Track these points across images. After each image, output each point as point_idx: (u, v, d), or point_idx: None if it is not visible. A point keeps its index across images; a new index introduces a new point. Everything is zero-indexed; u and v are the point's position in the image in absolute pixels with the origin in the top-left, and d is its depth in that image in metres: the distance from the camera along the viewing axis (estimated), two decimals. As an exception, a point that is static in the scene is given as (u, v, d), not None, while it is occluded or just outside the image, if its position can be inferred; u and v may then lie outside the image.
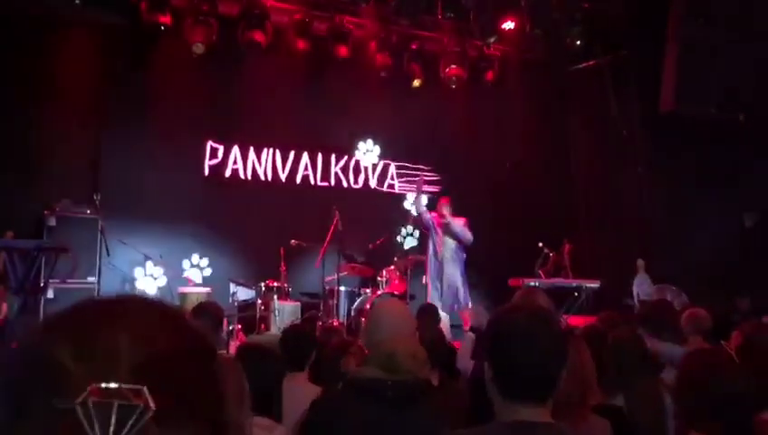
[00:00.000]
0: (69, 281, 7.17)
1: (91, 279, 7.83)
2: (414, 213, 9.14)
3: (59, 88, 8.55)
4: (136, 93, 8.96)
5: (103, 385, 0.61)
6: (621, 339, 3.05)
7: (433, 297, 8.55)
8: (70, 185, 8.48)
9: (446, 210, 8.66)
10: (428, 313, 5.32)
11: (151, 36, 8.81)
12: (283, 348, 3.53)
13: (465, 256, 8.87)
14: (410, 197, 9.04)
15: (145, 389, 0.62)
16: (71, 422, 0.60)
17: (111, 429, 0.60)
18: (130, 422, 0.60)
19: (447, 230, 8.66)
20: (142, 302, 0.74)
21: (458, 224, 8.71)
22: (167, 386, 0.64)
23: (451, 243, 8.72)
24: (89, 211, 8.04)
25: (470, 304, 8.52)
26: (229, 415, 0.73)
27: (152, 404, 0.61)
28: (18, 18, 7.51)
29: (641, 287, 9.41)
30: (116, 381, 0.62)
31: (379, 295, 8.53)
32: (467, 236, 8.76)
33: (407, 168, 10.79)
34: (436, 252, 8.68)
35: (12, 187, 7.97)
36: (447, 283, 8.62)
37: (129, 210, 8.66)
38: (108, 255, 7.90)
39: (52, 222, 7.75)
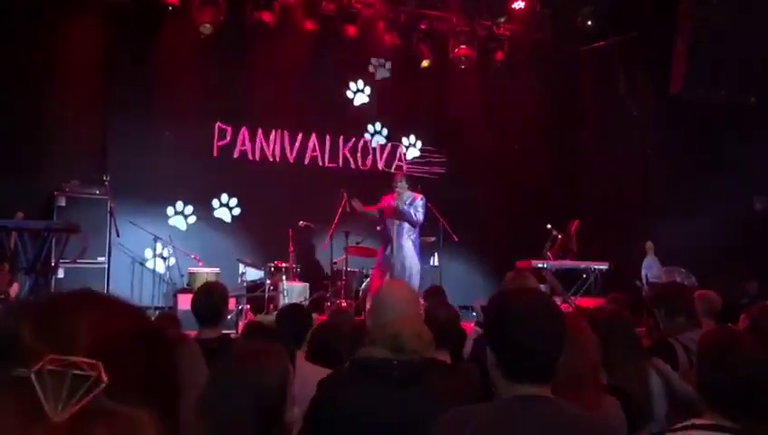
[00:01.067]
0: (79, 261, 7.22)
1: (100, 259, 7.89)
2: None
3: (66, 69, 8.56)
4: (143, 74, 8.97)
5: (59, 356, 0.65)
6: (608, 319, 3.05)
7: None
8: (79, 166, 8.52)
9: (399, 187, 8.19)
10: (436, 293, 5.32)
11: (158, 17, 8.79)
12: (279, 326, 3.54)
13: (417, 239, 8.38)
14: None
15: (100, 363, 0.65)
16: (26, 392, 0.63)
17: (63, 397, 0.63)
18: (82, 391, 0.63)
19: (397, 215, 8.20)
20: (100, 294, 0.80)
21: (410, 202, 8.18)
22: (119, 364, 0.68)
23: (403, 227, 8.26)
24: (98, 192, 8.08)
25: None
26: (179, 399, 0.78)
27: (105, 377, 0.65)
28: (23, 5, 7.50)
29: (650, 269, 9.40)
30: (74, 355, 0.65)
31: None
32: (413, 217, 8.20)
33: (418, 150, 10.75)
34: (389, 238, 8.22)
35: (22, 168, 8.02)
36: (398, 269, 8.08)
37: (138, 191, 8.71)
38: (117, 235, 7.95)
39: (62, 202, 7.80)
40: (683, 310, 3.65)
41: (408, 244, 8.30)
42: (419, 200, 8.29)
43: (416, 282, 8.08)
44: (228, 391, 1.92)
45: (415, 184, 8.63)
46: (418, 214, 8.27)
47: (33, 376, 0.63)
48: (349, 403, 2.22)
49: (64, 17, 8.46)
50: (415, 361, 2.23)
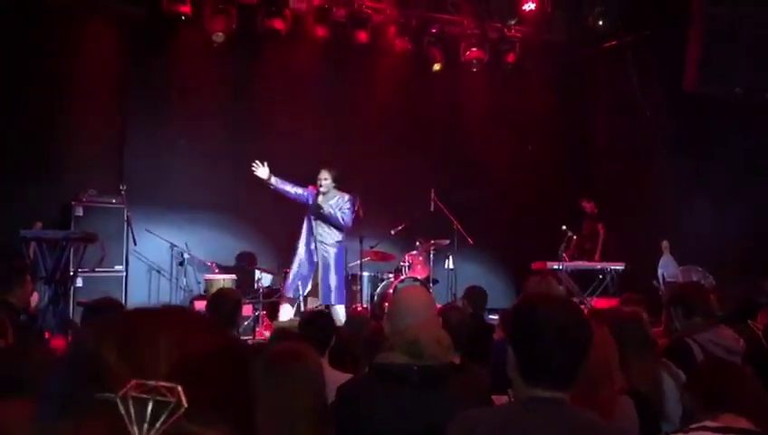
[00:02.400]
0: (97, 270, 7.31)
1: (118, 268, 7.96)
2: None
3: (82, 80, 8.65)
4: (157, 83, 9.05)
5: (142, 381, 0.67)
6: (622, 320, 3.06)
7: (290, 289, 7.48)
8: (96, 175, 8.60)
9: (324, 183, 7.45)
10: (475, 295, 5.26)
11: (171, 26, 8.87)
12: (302, 333, 3.56)
13: (342, 242, 7.73)
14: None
15: (179, 387, 0.67)
16: (112, 417, 0.66)
17: (146, 422, 0.65)
18: (163, 417, 0.65)
19: (319, 214, 7.49)
20: (180, 310, 0.82)
21: (336, 203, 7.52)
22: (199, 386, 0.70)
23: (326, 228, 7.59)
24: (115, 201, 8.16)
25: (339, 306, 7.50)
26: (254, 413, 0.79)
27: (184, 401, 0.66)
28: (39, 9, 7.59)
29: (667, 269, 9.34)
30: (155, 379, 0.67)
31: (402, 280, 8.57)
32: (339, 222, 7.47)
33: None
34: (311, 235, 7.55)
35: (39, 178, 8.10)
36: (319, 276, 7.47)
37: (154, 199, 8.79)
38: (134, 244, 8.02)
39: (80, 212, 7.88)
40: (700, 310, 3.63)
41: (331, 252, 7.55)
42: (348, 201, 7.54)
43: (337, 299, 7.45)
44: (271, 394, 1.94)
45: (340, 177, 7.67)
46: (346, 217, 7.49)
47: (118, 401, 0.66)
48: (368, 409, 2.24)
49: (79, 28, 8.54)
50: (434, 366, 2.25)
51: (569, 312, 1.83)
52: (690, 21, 8.90)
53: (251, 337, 6.73)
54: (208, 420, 0.70)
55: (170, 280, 8.70)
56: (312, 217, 7.58)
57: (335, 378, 2.95)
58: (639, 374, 2.83)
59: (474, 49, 10.28)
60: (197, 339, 0.75)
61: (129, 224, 7.99)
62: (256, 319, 7.83)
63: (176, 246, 8.58)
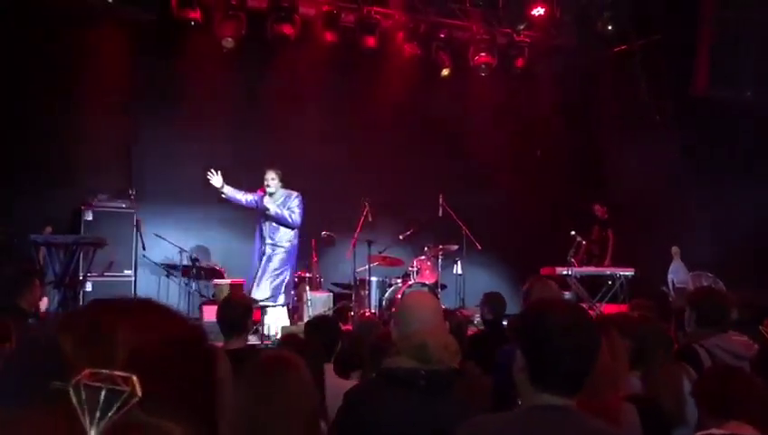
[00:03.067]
0: (106, 274, 7.34)
1: (127, 272, 7.99)
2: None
3: (92, 84, 8.69)
4: (167, 88, 9.09)
5: (95, 370, 0.66)
6: (644, 324, 3.05)
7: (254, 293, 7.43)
8: (106, 180, 8.65)
9: (271, 183, 7.54)
10: (493, 301, 5.22)
11: (181, 31, 8.91)
12: (307, 338, 3.56)
13: (295, 242, 7.79)
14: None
15: (134, 377, 0.66)
16: (66, 406, 0.65)
17: (98, 411, 0.64)
18: (116, 406, 0.65)
19: (267, 216, 7.57)
20: (142, 301, 0.80)
21: (282, 201, 7.60)
22: (156, 376, 0.68)
23: (278, 229, 7.64)
24: (124, 206, 8.20)
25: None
26: (217, 411, 0.77)
27: (138, 391, 0.65)
28: (51, 16, 7.65)
29: (677, 275, 9.29)
30: (112, 368, 0.66)
31: (410, 286, 8.56)
32: (287, 220, 7.52)
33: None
34: (262, 238, 7.66)
35: (49, 182, 8.16)
36: (270, 277, 7.55)
37: (163, 204, 8.83)
38: (143, 248, 8.05)
39: (89, 216, 7.92)
40: (714, 315, 3.61)
41: (280, 254, 7.60)
42: (295, 198, 7.62)
43: (282, 298, 7.51)
44: (253, 400, 1.94)
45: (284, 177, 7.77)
46: (294, 215, 7.56)
47: (70, 390, 0.65)
48: (375, 414, 2.24)
49: (90, 34, 8.58)
50: (442, 371, 2.25)
51: (578, 317, 1.83)
52: (699, 25, 8.88)
53: (260, 342, 6.72)
54: (165, 412, 0.68)
55: (179, 284, 8.71)
56: (261, 220, 7.67)
57: (338, 385, 2.95)
58: (661, 379, 2.82)
59: (482, 54, 10.28)
60: (157, 329, 0.74)
61: (138, 228, 8.02)
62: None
63: (184, 250, 8.61)
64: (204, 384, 0.76)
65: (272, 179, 7.56)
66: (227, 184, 7.76)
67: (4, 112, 7.87)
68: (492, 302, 5.15)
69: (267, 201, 7.52)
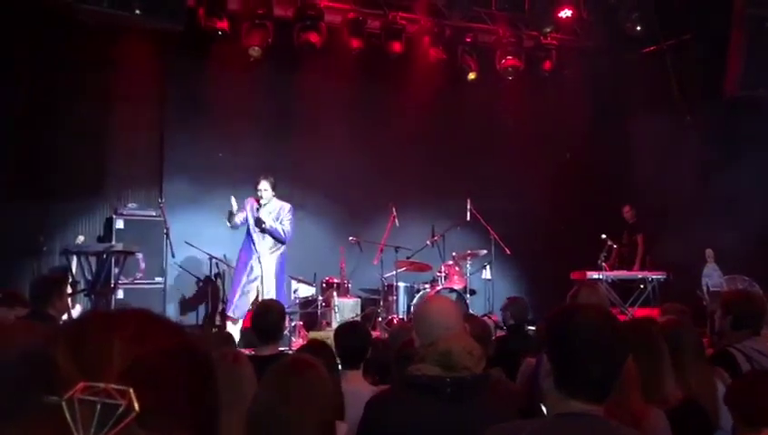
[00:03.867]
0: (137, 282, 7.43)
1: (158, 279, 8.08)
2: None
3: (122, 94, 8.84)
4: (195, 97, 9.21)
5: (90, 384, 0.63)
6: (676, 326, 3.00)
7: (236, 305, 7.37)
8: (136, 189, 8.79)
9: (264, 193, 7.44)
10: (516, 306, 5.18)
11: (208, 41, 9.01)
12: (336, 345, 3.54)
13: (283, 253, 7.75)
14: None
15: (131, 390, 0.63)
16: (59, 421, 0.62)
17: (93, 427, 0.61)
18: (112, 422, 0.62)
19: (262, 229, 7.46)
20: (139, 311, 0.77)
21: (276, 215, 7.53)
22: (154, 388, 0.65)
23: (268, 240, 7.57)
24: (155, 214, 8.30)
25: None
26: (217, 419, 0.75)
27: (136, 405, 0.62)
28: (80, 28, 7.78)
29: (711, 278, 9.10)
30: (106, 381, 0.64)
31: (438, 291, 8.52)
32: (280, 235, 7.48)
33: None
34: (249, 250, 7.52)
35: (81, 192, 8.31)
36: (264, 288, 7.41)
37: (193, 212, 8.93)
38: (173, 256, 8.13)
39: (120, 225, 8.03)
40: (750, 319, 3.52)
41: (272, 265, 7.47)
42: (288, 211, 7.53)
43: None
44: (272, 405, 1.93)
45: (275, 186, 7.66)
46: (286, 229, 7.49)
47: (64, 405, 0.62)
48: (400, 422, 2.22)
49: (119, 45, 8.67)
50: (467, 378, 2.22)
51: (606, 322, 1.79)
52: (731, 24, 8.71)
53: (287, 349, 6.74)
54: (163, 426, 0.65)
55: (209, 291, 8.77)
56: (252, 232, 7.52)
57: (364, 392, 2.92)
58: (697, 383, 2.77)
59: (509, 57, 10.21)
60: (154, 339, 0.71)
61: (167, 236, 8.11)
62: (293, 330, 7.86)
63: (214, 257, 8.67)
64: (204, 396, 0.73)
65: (264, 190, 7.45)
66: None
67: (37, 123, 8.03)
68: (513, 307, 5.11)
69: (262, 213, 7.42)
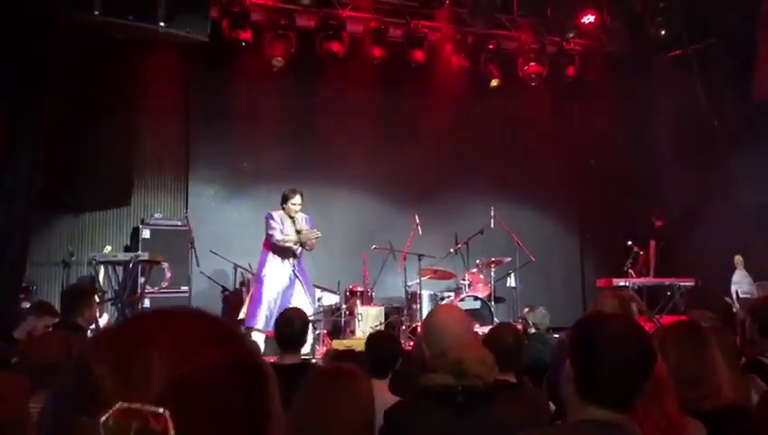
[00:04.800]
0: (163, 290, 7.51)
1: (184, 288, 8.18)
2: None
3: (148, 106, 8.98)
4: (220, 108, 9.34)
5: (127, 405, 0.60)
6: (714, 334, 2.94)
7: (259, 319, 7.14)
8: (162, 199, 8.93)
9: (299, 207, 7.31)
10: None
11: (232, 52, 9.10)
12: (367, 353, 3.56)
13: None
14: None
15: (167, 412, 0.60)
16: None
17: None
18: None
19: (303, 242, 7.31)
20: (188, 315, 0.71)
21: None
22: (194, 410, 0.61)
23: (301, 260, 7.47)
24: (180, 223, 8.40)
25: None
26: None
27: (171, 430, 0.59)
28: (106, 41, 7.90)
29: (741, 285, 8.94)
30: (144, 401, 0.60)
31: (462, 299, 8.48)
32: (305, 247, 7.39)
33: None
34: (285, 261, 7.30)
35: (108, 202, 8.45)
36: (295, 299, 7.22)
37: (218, 221, 9.02)
38: (197, 265, 8.22)
39: (147, 235, 8.14)
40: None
41: (302, 286, 7.32)
42: (309, 222, 7.45)
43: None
44: (308, 410, 1.94)
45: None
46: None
47: (100, 427, 0.60)
48: (413, 430, 2.22)
49: (144, 57, 8.77)
50: (479, 386, 2.21)
51: (630, 330, 1.78)
52: (759, 26, 8.58)
53: (311, 357, 6.76)
54: None
55: (233, 299, 8.83)
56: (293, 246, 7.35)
57: (390, 401, 2.92)
58: (734, 390, 2.73)
59: (532, 63, 10.17)
60: (201, 353, 0.65)
61: (192, 245, 8.20)
62: (317, 338, 7.87)
63: (239, 265, 8.73)
64: (252, 417, 0.67)
65: (300, 204, 7.33)
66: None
67: (65, 136, 8.17)
68: (533, 314, 5.08)
69: (298, 225, 7.32)
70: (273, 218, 7.26)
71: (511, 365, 3.12)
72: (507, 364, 3.02)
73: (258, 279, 7.35)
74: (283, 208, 7.31)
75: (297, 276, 7.32)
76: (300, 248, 7.35)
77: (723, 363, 2.53)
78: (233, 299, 8.69)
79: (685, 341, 2.49)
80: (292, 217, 7.31)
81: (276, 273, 7.25)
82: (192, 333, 0.68)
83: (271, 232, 7.22)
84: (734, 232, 9.52)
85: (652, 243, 10.08)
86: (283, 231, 7.24)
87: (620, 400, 1.69)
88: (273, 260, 7.29)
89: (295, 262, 7.36)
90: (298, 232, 7.29)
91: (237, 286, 8.86)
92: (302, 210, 7.41)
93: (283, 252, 7.28)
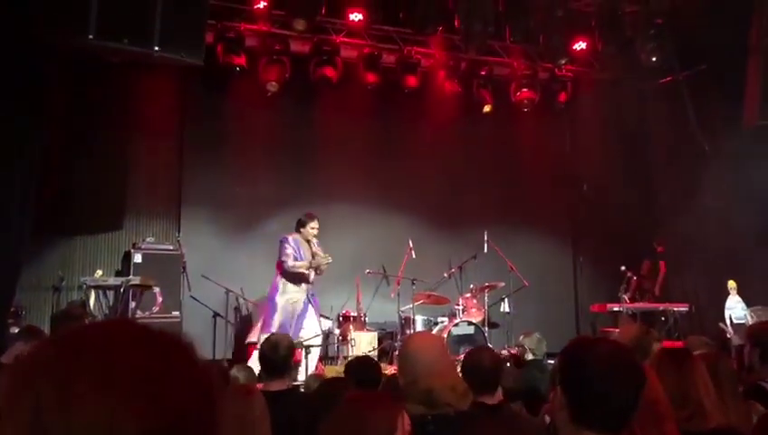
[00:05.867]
0: (154, 316, 7.43)
1: (175, 313, 8.09)
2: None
3: (141, 129, 8.97)
4: (213, 132, 9.35)
5: None
6: (714, 360, 2.93)
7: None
8: (154, 223, 8.87)
9: (318, 232, 7.53)
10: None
11: (226, 77, 9.13)
12: (348, 378, 3.52)
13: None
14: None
15: None
16: None
17: None
18: None
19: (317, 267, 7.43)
20: (149, 345, 0.67)
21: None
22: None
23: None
24: (172, 248, 8.34)
25: None
26: None
27: None
28: (100, 65, 7.92)
29: (734, 310, 8.93)
30: None
31: (456, 324, 8.43)
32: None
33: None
34: (304, 287, 7.46)
35: (101, 227, 8.39)
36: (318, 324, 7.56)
37: (210, 246, 8.97)
38: (189, 290, 8.15)
39: (138, 259, 8.07)
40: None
41: (314, 311, 7.49)
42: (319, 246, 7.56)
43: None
44: None
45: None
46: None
47: None
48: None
49: (139, 81, 8.80)
50: (450, 414, 2.19)
51: (621, 353, 1.78)
52: (748, 53, 8.68)
53: (302, 383, 6.67)
54: None
55: (226, 325, 8.75)
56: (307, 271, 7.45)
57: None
58: (736, 414, 2.71)
59: (524, 90, 10.26)
60: (168, 395, 0.62)
61: (184, 270, 8.14)
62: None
63: (231, 291, 8.67)
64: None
65: (318, 228, 7.50)
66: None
67: (58, 159, 8.14)
68: (529, 340, 5.05)
69: (315, 249, 7.43)
70: (288, 243, 7.33)
71: (490, 387, 3.10)
72: (486, 387, 3.01)
73: (271, 304, 7.36)
74: (300, 232, 7.42)
75: (310, 301, 7.39)
76: (312, 273, 7.40)
77: (711, 386, 2.53)
78: (224, 324, 8.62)
79: (669, 362, 2.50)
80: (308, 241, 7.39)
81: (290, 298, 7.31)
82: (156, 372, 0.64)
83: (284, 258, 7.29)
84: (728, 257, 9.53)
85: (662, 263, 10.07)
86: (300, 256, 7.31)
87: (614, 423, 1.68)
88: (286, 285, 7.35)
89: (309, 287, 7.43)
90: (313, 256, 7.35)
91: (231, 311, 8.79)
92: (291, 233, 7.48)
93: (296, 277, 7.34)
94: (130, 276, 7.36)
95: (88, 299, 6.72)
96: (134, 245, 8.24)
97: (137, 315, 7.14)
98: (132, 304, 7.02)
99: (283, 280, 7.36)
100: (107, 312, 6.62)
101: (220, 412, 0.67)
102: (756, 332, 3.76)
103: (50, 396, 0.58)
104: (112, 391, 0.59)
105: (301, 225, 7.44)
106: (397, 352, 8.22)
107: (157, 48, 7.10)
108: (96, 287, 6.65)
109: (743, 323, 8.61)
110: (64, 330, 0.67)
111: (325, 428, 1.97)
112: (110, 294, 6.76)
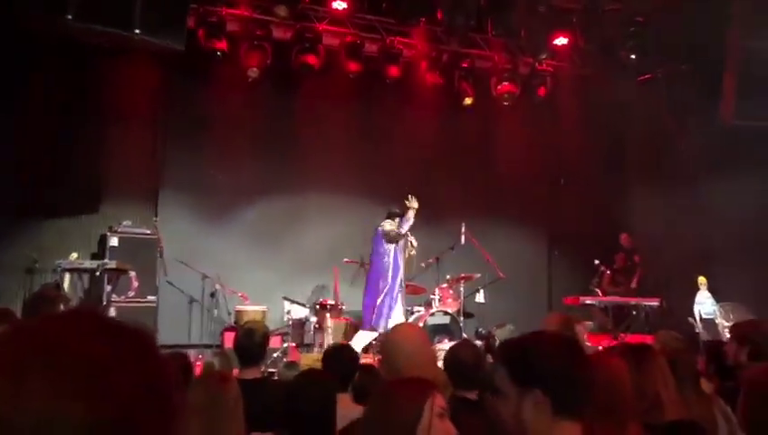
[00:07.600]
0: (130, 300, 7.40)
1: (151, 298, 8.06)
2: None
3: (120, 113, 8.87)
4: (194, 117, 9.26)
5: None
6: (677, 354, 2.99)
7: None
8: (131, 207, 8.79)
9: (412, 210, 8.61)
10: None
11: (207, 62, 9.07)
12: (325, 367, 3.53)
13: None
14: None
15: None
16: None
17: None
18: None
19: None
20: (95, 332, 0.68)
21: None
22: None
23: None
24: (149, 232, 8.29)
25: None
26: None
27: None
28: (80, 49, 7.82)
29: (703, 306, 9.10)
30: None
31: (432, 314, 8.50)
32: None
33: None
34: (398, 268, 8.59)
35: (75, 209, 8.30)
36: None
37: (188, 231, 8.94)
38: (165, 275, 8.11)
39: (115, 243, 8.01)
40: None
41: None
42: None
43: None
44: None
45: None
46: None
47: None
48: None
49: (119, 65, 8.71)
50: None
51: (569, 350, 1.77)
52: (726, 53, 8.80)
53: (276, 370, 6.70)
54: None
55: (201, 310, 8.73)
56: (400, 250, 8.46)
57: (355, 414, 2.91)
58: (699, 409, 2.77)
59: (505, 83, 10.30)
60: (117, 388, 0.64)
61: (161, 255, 8.10)
62: (285, 351, 7.83)
63: (207, 276, 8.64)
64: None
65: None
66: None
67: (34, 141, 8.05)
68: (501, 331, 5.12)
69: (405, 224, 8.52)
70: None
71: (471, 383, 3.14)
72: (467, 383, 3.04)
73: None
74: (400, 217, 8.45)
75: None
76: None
77: (670, 380, 2.58)
78: (200, 309, 8.60)
79: (629, 356, 2.54)
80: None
81: (394, 274, 8.47)
82: (102, 366, 0.66)
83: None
84: (700, 253, 9.70)
85: (637, 257, 10.21)
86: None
87: (587, 404, 1.68)
88: (393, 261, 8.49)
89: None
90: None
91: (206, 297, 8.76)
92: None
93: (396, 255, 8.48)
94: (106, 260, 7.32)
95: (62, 282, 6.67)
96: (110, 228, 8.17)
97: (112, 299, 7.10)
98: (108, 288, 6.96)
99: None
100: (81, 295, 6.57)
101: (176, 406, 0.70)
102: (743, 330, 3.81)
103: (4, 388, 0.62)
104: (61, 385, 0.62)
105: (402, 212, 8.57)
106: (374, 341, 8.28)
107: (137, 31, 7.05)
108: (71, 270, 6.59)
109: (712, 319, 8.79)
110: (23, 321, 0.69)
111: (363, 415, 1.99)
112: (86, 277, 6.70)
